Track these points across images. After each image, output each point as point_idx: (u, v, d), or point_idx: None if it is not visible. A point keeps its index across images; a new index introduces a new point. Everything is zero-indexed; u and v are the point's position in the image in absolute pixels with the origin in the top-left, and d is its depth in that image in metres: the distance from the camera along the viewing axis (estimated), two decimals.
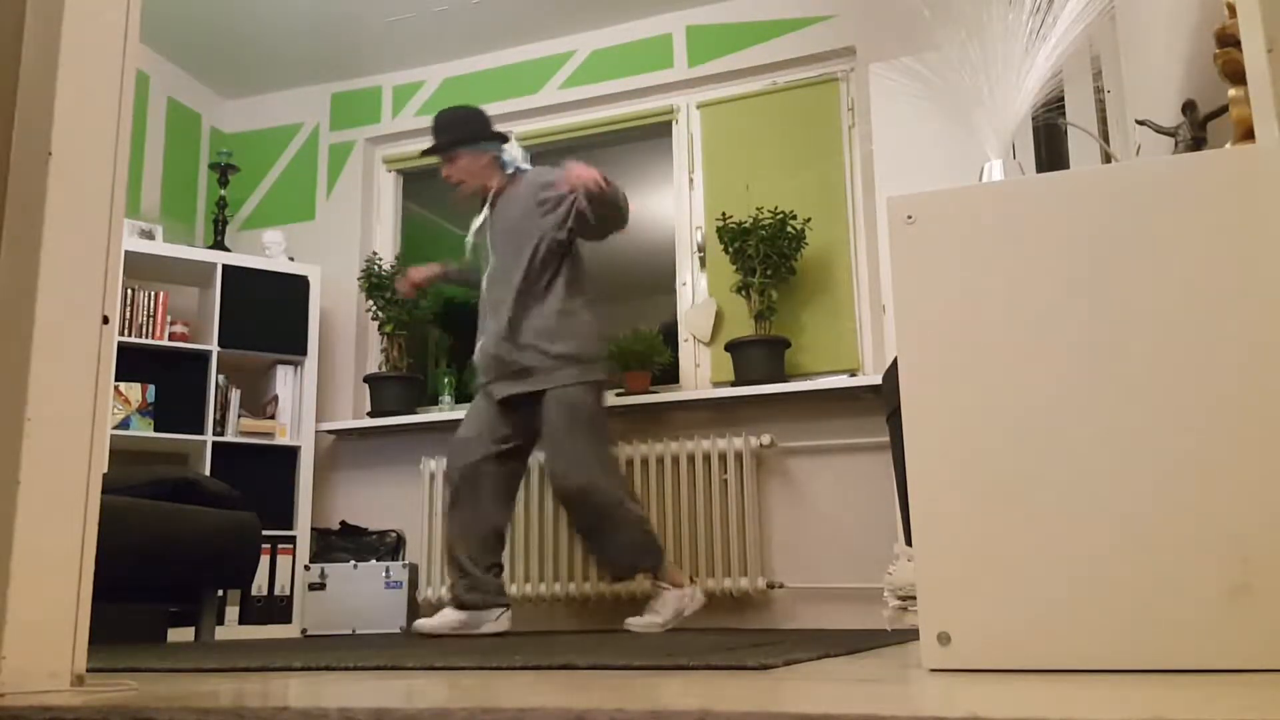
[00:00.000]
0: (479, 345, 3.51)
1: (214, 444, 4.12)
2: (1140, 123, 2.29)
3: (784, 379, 3.84)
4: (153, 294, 4.14)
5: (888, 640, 2.25)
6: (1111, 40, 3.13)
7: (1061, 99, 2.97)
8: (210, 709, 0.90)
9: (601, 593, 3.85)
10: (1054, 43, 1.58)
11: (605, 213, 3.35)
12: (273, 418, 4.29)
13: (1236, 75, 1.52)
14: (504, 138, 3.58)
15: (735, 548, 3.74)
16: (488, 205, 3.58)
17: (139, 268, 4.19)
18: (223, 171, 4.52)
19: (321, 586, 4.11)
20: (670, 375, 4.19)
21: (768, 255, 3.86)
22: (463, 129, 3.52)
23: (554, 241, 3.40)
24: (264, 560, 4.10)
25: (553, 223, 3.40)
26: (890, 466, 3.70)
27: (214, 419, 4.13)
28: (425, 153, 3.59)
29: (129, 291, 4.08)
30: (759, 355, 3.84)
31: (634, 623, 3.28)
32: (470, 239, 3.65)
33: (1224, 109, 1.76)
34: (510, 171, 3.56)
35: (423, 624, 3.29)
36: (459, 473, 3.36)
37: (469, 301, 4.54)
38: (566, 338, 3.35)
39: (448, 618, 3.28)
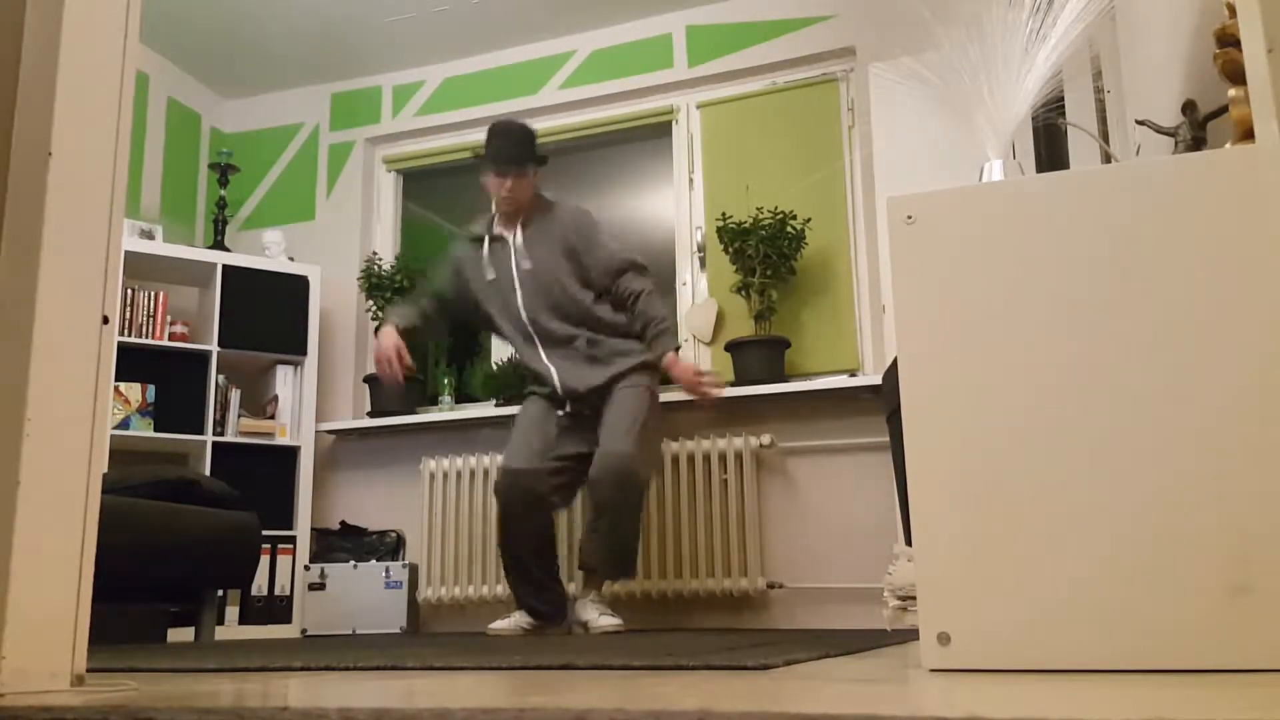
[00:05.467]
0: (530, 365, 3.45)
1: (214, 444, 4.11)
2: (1140, 123, 2.29)
3: (784, 379, 3.84)
4: (153, 294, 4.14)
5: (888, 640, 2.24)
6: (1111, 40, 3.13)
7: (1061, 99, 2.97)
8: (210, 709, 0.90)
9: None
10: (1054, 43, 1.57)
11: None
12: (273, 418, 4.28)
13: (1236, 75, 1.53)
14: (545, 160, 3.48)
15: (735, 548, 3.74)
16: (517, 230, 3.47)
17: (139, 268, 4.19)
18: (223, 171, 4.52)
19: (321, 586, 4.11)
20: None
21: (768, 255, 3.85)
22: (532, 148, 3.42)
23: (594, 282, 3.44)
24: (264, 560, 4.09)
25: (593, 270, 3.42)
26: (890, 466, 3.70)
27: (214, 419, 4.13)
28: (502, 165, 3.36)
29: (129, 291, 4.08)
30: (759, 355, 3.84)
31: (606, 623, 3.26)
32: (482, 257, 3.50)
33: (1224, 109, 1.76)
34: (546, 200, 3.53)
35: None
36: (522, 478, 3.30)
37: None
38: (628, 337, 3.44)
39: (519, 621, 3.35)
